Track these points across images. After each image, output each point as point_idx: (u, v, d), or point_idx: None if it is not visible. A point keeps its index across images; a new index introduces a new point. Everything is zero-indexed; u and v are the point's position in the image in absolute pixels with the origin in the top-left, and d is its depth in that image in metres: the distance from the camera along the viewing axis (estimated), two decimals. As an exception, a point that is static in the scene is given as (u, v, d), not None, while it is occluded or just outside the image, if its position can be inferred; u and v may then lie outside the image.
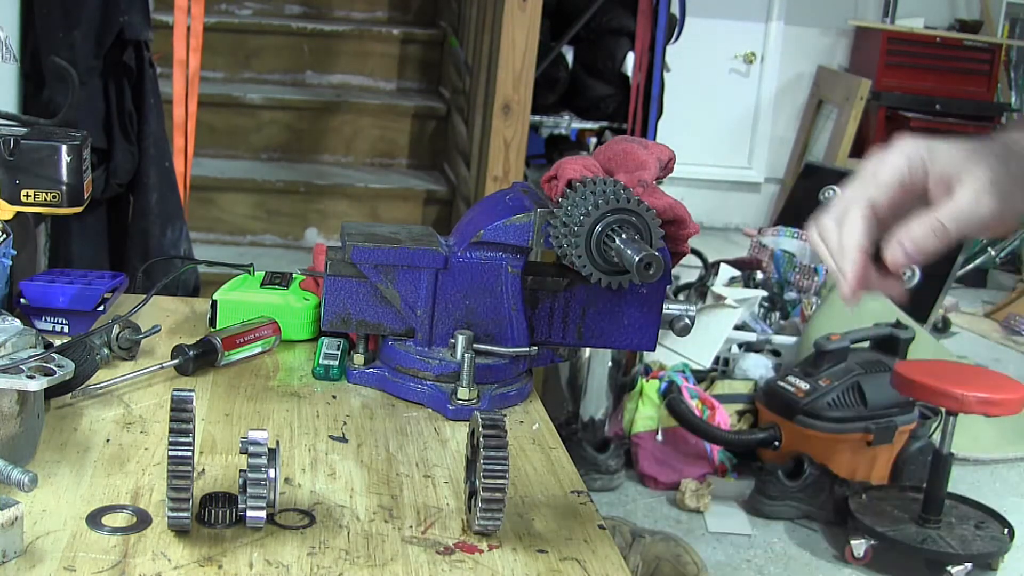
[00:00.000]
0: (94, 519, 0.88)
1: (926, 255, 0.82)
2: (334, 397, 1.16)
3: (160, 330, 1.20)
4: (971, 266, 5.38)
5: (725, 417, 3.43)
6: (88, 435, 1.03)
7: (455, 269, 1.13)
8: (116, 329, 1.16)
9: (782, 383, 3.36)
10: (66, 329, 1.25)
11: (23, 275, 1.27)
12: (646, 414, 3.43)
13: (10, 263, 1.21)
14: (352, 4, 4.29)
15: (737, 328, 3.80)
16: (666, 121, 4.17)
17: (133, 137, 2.59)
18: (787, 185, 5.94)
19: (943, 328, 4.79)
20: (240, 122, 3.92)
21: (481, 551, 0.89)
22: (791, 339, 3.84)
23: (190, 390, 0.86)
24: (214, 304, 1.28)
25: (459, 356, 1.11)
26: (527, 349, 1.15)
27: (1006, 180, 0.83)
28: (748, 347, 3.82)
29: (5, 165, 1.13)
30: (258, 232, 3.85)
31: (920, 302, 4.26)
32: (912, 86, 5.97)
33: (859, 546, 2.93)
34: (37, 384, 0.90)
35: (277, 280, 1.32)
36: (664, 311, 1.14)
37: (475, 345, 1.11)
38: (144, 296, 1.29)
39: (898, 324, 3.53)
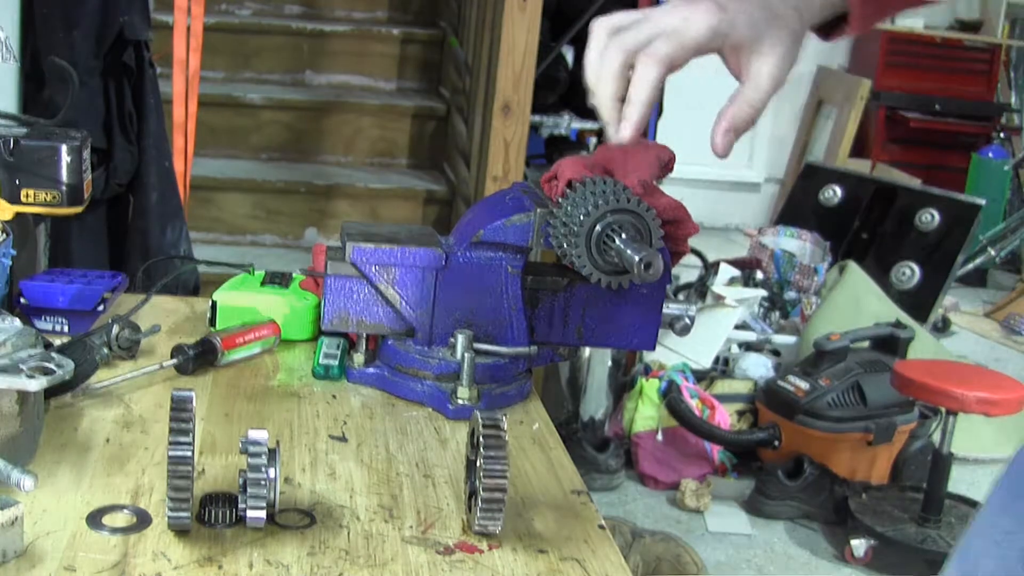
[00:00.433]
0: (94, 519, 0.88)
1: (743, 132, 0.97)
2: (334, 397, 1.16)
3: (160, 330, 1.20)
4: (971, 266, 5.38)
5: (725, 417, 3.44)
6: (88, 435, 1.03)
7: (455, 269, 1.13)
8: (116, 329, 1.16)
9: (782, 383, 3.36)
10: (66, 329, 1.25)
11: (23, 275, 1.27)
12: (646, 414, 3.43)
13: (10, 263, 1.21)
14: (352, 4, 4.29)
15: (737, 328, 3.80)
16: (666, 121, 4.16)
17: (133, 137, 2.58)
18: (787, 185, 5.94)
19: (943, 328, 4.79)
20: (240, 122, 3.92)
21: (481, 551, 0.89)
22: (791, 339, 3.84)
23: (190, 390, 0.86)
24: (214, 304, 1.28)
25: (459, 356, 1.11)
26: (527, 349, 1.15)
27: (796, 48, 0.96)
28: (748, 347, 3.82)
29: (5, 165, 1.13)
30: (258, 232, 3.85)
31: (920, 302, 4.26)
32: (912, 86, 5.98)
33: (859, 546, 2.94)
34: (37, 384, 0.90)
35: (277, 280, 1.32)
36: (664, 311, 1.14)
37: (475, 345, 1.11)
38: (144, 296, 1.29)
39: (898, 324, 3.54)
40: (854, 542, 2.95)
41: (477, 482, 0.88)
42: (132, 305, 1.27)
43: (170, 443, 0.83)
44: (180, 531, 0.87)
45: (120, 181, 2.60)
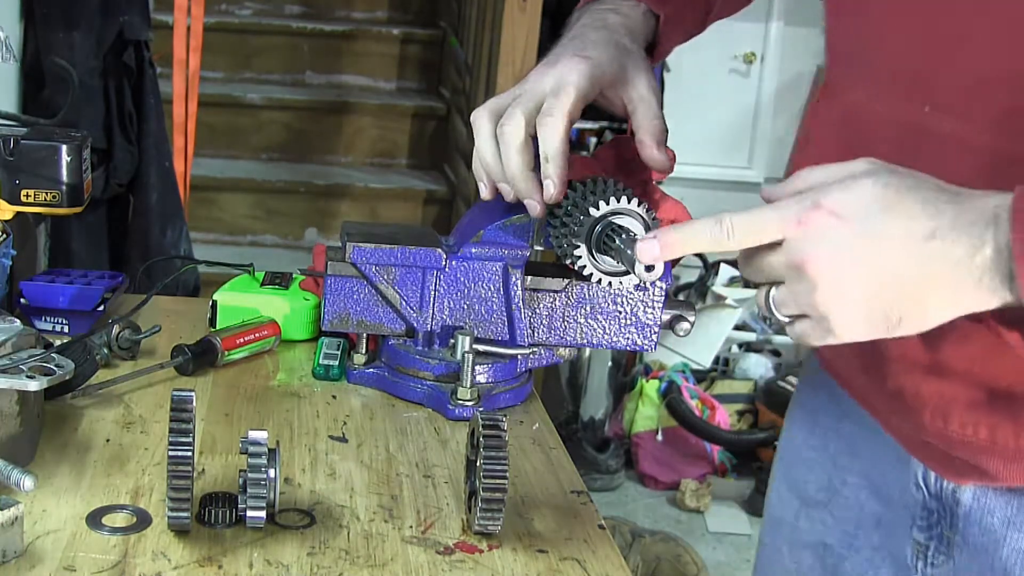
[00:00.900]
0: (94, 519, 0.88)
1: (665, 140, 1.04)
2: (334, 397, 1.16)
3: (160, 330, 1.20)
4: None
5: (725, 417, 3.44)
6: (88, 435, 1.03)
7: (455, 269, 1.13)
8: (116, 329, 1.16)
9: (782, 383, 3.36)
10: (66, 329, 1.25)
11: (23, 275, 1.27)
12: (646, 414, 3.43)
13: (10, 263, 1.21)
14: (352, 4, 4.29)
15: (737, 328, 3.80)
16: (666, 121, 4.16)
17: (133, 137, 2.59)
18: (787, 185, 5.93)
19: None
20: (240, 122, 3.92)
21: (481, 551, 0.89)
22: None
23: (190, 390, 0.86)
24: (214, 304, 1.28)
25: (459, 356, 1.11)
26: (527, 349, 1.15)
27: (650, 70, 1.06)
28: (748, 347, 3.82)
29: (5, 165, 1.13)
30: (258, 232, 3.85)
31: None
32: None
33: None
34: (37, 384, 0.90)
35: (277, 280, 1.32)
36: (664, 311, 1.14)
37: (475, 345, 1.11)
38: (144, 296, 1.29)
39: (898, 324, 3.53)
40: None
41: (477, 482, 0.88)
42: (132, 305, 1.27)
43: (170, 443, 0.83)
44: (180, 531, 0.87)
45: (120, 181, 2.60)
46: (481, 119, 1.03)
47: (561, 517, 0.96)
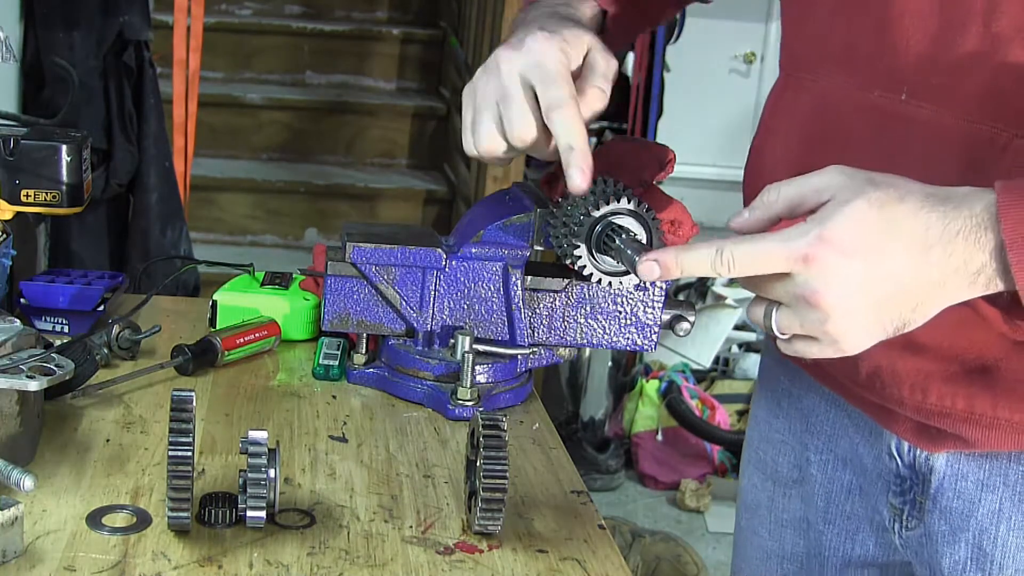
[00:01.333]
0: (94, 519, 0.88)
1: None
2: (334, 397, 1.16)
3: (160, 330, 1.20)
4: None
5: (725, 417, 3.44)
6: (88, 435, 1.03)
7: (455, 269, 1.13)
8: (116, 329, 1.16)
9: (782, 383, 3.36)
10: (66, 329, 1.25)
11: (23, 275, 1.27)
12: (646, 414, 3.43)
13: (10, 263, 1.21)
14: (352, 4, 4.29)
15: (737, 328, 3.80)
16: (666, 121, 4.17)
17: (133, 137, 2.59)
18: (787, 185, 5.93)
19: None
20: (240, 122, 3.92)
21: (481, 551, 0.89)
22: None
23: (190, 390, 0.86)
24: (214, 304, 1.28)
25: (459, 356, 1.11)
26: (527, 349, 1.15)
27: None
28: (748, 347, 3.82)
29: (5, 165, 1.13)
30: (258, 232, 3.85)
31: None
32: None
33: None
34: (37, 384, 0.90)
35: (277, 280, 1.32)
36: (664, 311, 1.14)
37: (475, 345, 1.11)
38: (144, 296, 1.29)
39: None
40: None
41: (477, 482, 0.88)
42: (132, 305, 1.27)
43: (170, 443, 0.83)
44: (180, 531, 0.87)
45: (120, 181, 2.60)
46: (473, 102, 1.00)
47: (561, 517, 0.96)
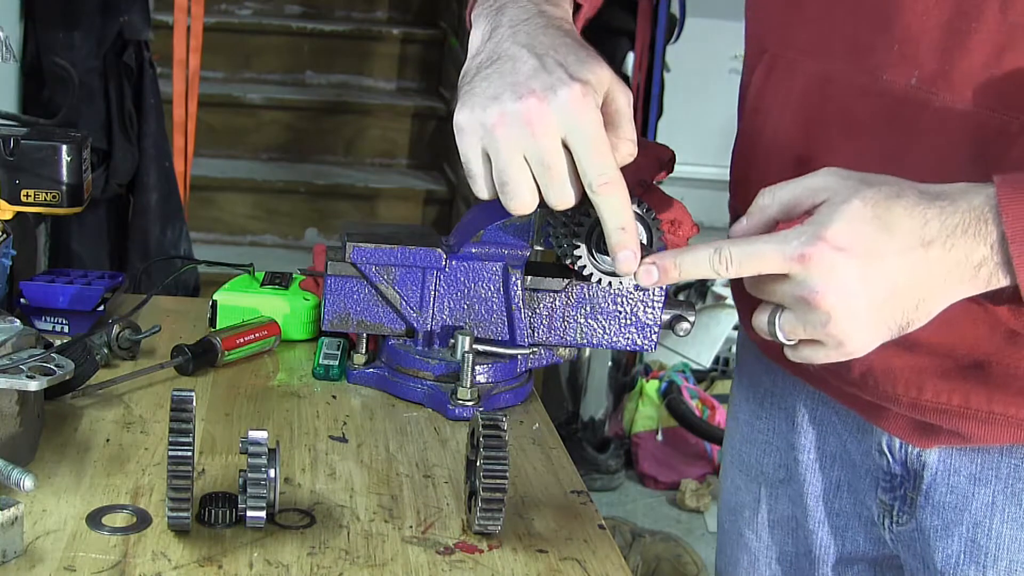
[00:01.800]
0: (94, 519, 0.88)
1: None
2: (334, 397, 1.16)
3: (160, 330, 1.20)
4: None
5: (724, 417, 3.43)
6: (88, 435, 1.03)
7: (455, 269, 1.13)
8: (116, 329, 1.16)
9: (782, 383, 3.35)
10: (66, 329, 1.25)
11: (23, 275, 1.27)
12: (646, 414, 3.43)
13: (10, 263, 1.21)
14: (352, 4, 4.29)
15: (737, 328, 3.80)
16: (666, 121, 4.17)
17: (133, 137, 2.59)
18: (787, 185, 5.92)
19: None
20: (240, 122, 3.92)
21: (481, 551, 0.89)
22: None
23: (190, 390, 0.86)
24: (214, 304, 1.28)
25: (459, 356, 1.11)
26: (527, 349, 1.15)
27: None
28: (748, 347, 3.81)
29: (5, 165, 1.13)
30: (258, 232, 3.85)
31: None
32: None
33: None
34: (37, 384, 0.90)
35: (277, 280, 1.32)
36: (664, 311, 1.14)
37: (475, 345, 1.11)
38: (144, 296, 1.29)
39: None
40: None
41: (477, 482, 0.88)
42: (132, 305, 1.27)
43: (170, 443, 0.83)
44: (180, 531, 0.87)
45: (120, 181, 2.60)
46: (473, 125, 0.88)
47: (561, 517, 0.96)
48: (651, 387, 3.45)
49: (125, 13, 2.51)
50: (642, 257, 0.86)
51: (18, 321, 0.97)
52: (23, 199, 1.14)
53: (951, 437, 0.94)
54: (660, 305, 1.14)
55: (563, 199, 0.87)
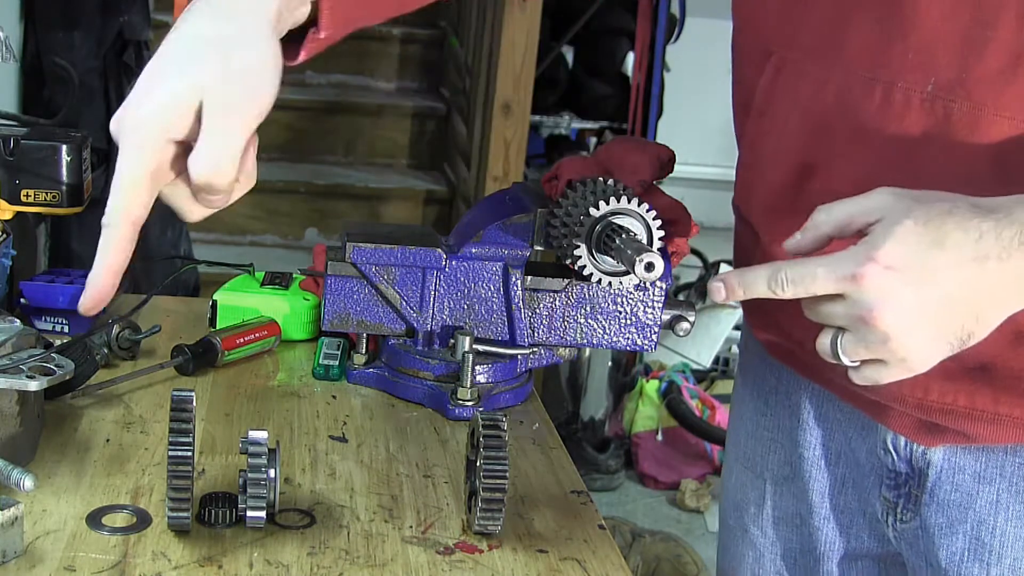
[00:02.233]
0: (94, 519, 0.88)
1: None
2: (334, 397, 1.16)
3: (160, 330, 1.20)
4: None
5: (725, 417, 3.43)
6: (88, 435, 1.03)
7: (455, 269, 1.13)
8: (116, 329, 1.16)
9: (782, 383, 3.35)
10: (66, 329, 1.25)
11: (23, 275, 1.27)
12: (646, 414, 3.43)
13: (10, 263, 1.21)
14: (352, 4, 4.28)
15: (737, 328, 3.80)
16: (666, 121, 4.16)
17: (133, 137, 2.58)
18: (787, 185, 5.92)
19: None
20: (240, 122, 3.91)
21: (481, 551, 0.89)
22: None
23: (190, 390, 0.86)
24: (214, 304, 1.28)
25: (459, 356, 1.11)
26: (527, 349, 1.15)
27: None
28: (748, 347, 3.81)
29: (5, 165, 1.13)
30: (258, 232, 3.85)
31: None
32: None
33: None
34: (37, 384, 0.90)
35: (277, 280, 1.32)
36: (664, 311, 1.14)
37: (475, 345, 1.11)
38: (144, 296, 1.29)
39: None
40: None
41: (477, 482, 0.88)
42: (132, 305, 1.27)
43: (170, 443, 0.83)
44: (180, 531, 0.87)
45: (120, 181, 2.59)
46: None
47: (561, 517, 0.96)
48: (651, 387, 3.45)
49: (125, 13, 2.51)
50: (644, 252, 0.87)
51: (18, 321, 0.97)
52: (23, 199, 1.14)
53: (956, 436, 0.95)
54: (660, 305, 1.14)
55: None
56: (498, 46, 3.18)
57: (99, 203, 2.72)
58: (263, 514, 0.86)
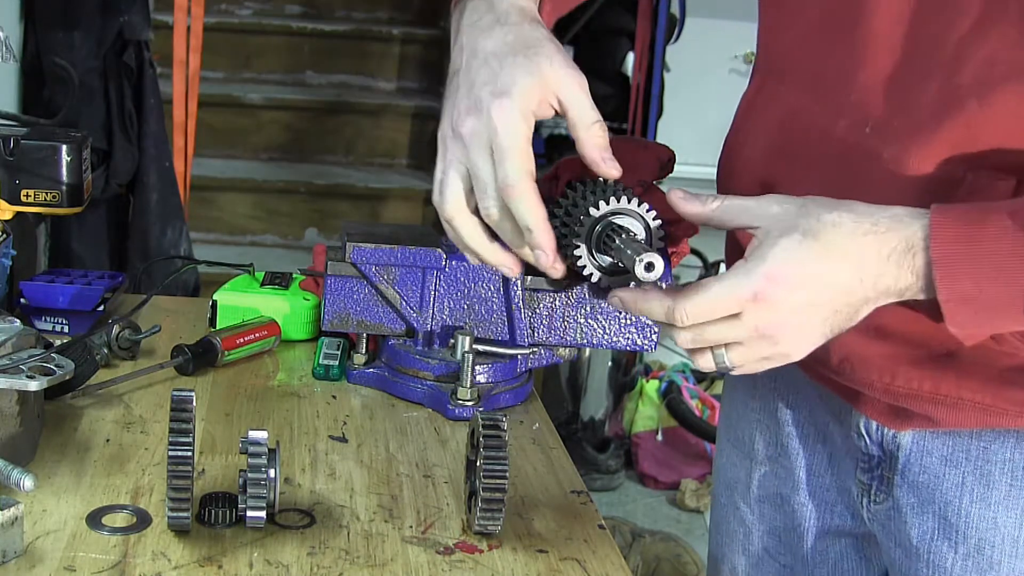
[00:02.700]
0: (94, 519, 0.88)
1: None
2: (334, 397, 1.16)
3: (160, 330, 1.20)
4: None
5: (724, 413, 3.43)
6: (88, 435, 1.03)
7: (455, 269, 1.13)
8: (116, 329, 1.16)
9: (782, 383, 3.35)
10: (66, 329, 1.25)
11: (23, 275, 1.27)
12: (646, 414, 3.43)
13: (10, 263, 1.21)
14: (352, 4, 4.28)
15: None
16: (666, 121, 4.16)
17: (133, 137, 2.59)
18: (787, 185, 5.92)
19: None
20: (240, 122, 3.92)
21: (481, 551, 0.89)
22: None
23: (190, 390, 0.86)
24: (214, 304, 1.28)
25: (459, 356, 1.11)
26: (527, 349, 1.15)
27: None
28: (748, 347, 3.81)
29: (5, 165, 1.13)
30: (258, 232, 3.85)
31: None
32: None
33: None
34: (37, 384, 0.90)
35: (277, 280, 1.32)
36: (664, 311, 1.14)
37: (475, 345, 1.11)
38: (144, 296, 1.29)
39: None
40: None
41: (477, 482, 0.88)
42: (132, 305, 1.27)
43: (170, 443, 0.83)
44: (180, 531, 0.87)
45: (120, 181, 2.60)
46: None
47: (561, 517, 0.96)
48: (651, 387, 3.44)
49: (125, 13, 2.51)
50: (644, 251, 0.89)
51: (18, 321, 0.97)
52: (23, 199, 1.14)
53: (923, 421, 0.99)
54: (660, 305, 1.14)
55: (486, 208, 0.92)
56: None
57: (99, 203, 2.72)
58: (263, 514, 0.86)
